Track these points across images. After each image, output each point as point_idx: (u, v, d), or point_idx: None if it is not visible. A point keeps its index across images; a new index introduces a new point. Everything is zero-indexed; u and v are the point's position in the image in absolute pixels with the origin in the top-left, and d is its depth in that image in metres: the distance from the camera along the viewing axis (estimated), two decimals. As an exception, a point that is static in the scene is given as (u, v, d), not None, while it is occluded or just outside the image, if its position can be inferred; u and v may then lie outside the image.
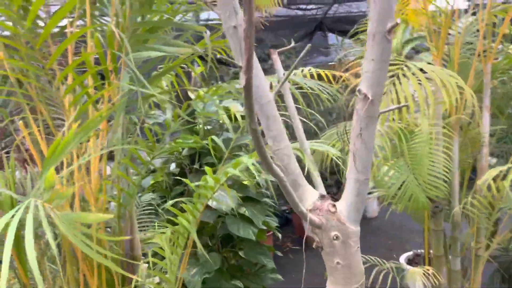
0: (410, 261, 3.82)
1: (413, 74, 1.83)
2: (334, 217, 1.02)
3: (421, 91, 1.95)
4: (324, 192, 1.10)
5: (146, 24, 1.39)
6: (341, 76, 2.20)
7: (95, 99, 1.65)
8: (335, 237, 1.02)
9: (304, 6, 6.22)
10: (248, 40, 0.67)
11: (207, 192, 1.37)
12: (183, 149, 2.96)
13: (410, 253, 3.92)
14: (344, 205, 1.03)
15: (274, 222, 3.09)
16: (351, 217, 1.03)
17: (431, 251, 2.77)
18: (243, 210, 2.76)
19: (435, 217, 2.52)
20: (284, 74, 1.26)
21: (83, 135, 0.97)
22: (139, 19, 1.62)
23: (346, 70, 2.40)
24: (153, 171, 3.18)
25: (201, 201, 1.40)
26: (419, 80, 1.88)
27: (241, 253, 2.81)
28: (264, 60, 5.39)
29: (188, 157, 2.93)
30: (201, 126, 2.88)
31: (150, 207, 2.65)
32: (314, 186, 1.16)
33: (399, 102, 1.78)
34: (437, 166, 2.02)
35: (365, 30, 3.42)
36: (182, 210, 1.69)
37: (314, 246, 1.07)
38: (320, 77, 2.52)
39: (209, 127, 2.99)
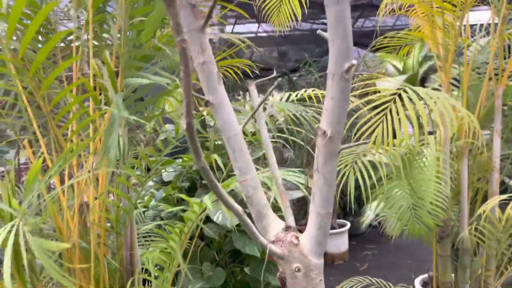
0: (425, 284, 3.73)
1: (410, 99, 1.83)
2: (296, 249, 1.05)
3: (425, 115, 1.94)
4: (292, 223, 1.12)
5: (137, 53, 1.46)
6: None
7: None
8: (297, 269, 1.05)
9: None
10: (186, 88, 0.71)
11: (192, 215, 1.42)
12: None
13: (426, 275, 3.83)
14: (306, 237, 1.05)
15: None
16: (313, 250, 1.04)
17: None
18: (249, 226, 2.79)
19: (441, 242, 2.48)
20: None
21: (63, 164, 1.04)
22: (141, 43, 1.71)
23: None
24: (166, 183, 3.27)
25: (188, 224, 1.45)
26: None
27: (246, 270, 2.83)
28: (286, 73, 5.44)
29: (198, 171, 3.00)
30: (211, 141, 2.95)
31: (159, 221, 2.72)
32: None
33: (393, 129, 1.78)
34: (433, 191, 1.99)
35: (389, 46, 3.42)
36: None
37: (277, 276, 1.09)
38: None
39: (219, 142, 3.05)
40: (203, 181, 2.96)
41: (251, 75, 2.53)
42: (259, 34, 5.89)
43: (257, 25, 5.93)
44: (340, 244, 4.97)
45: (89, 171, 1.73)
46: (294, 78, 5.86)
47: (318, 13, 5.73)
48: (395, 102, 1.87)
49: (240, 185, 1.06)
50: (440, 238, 2.48)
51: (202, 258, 2.89)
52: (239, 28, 5.74)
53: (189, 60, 0.69)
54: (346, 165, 2.18)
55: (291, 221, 1.13)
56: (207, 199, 1.26)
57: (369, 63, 4.91)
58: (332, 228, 4.99)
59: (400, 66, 3.46)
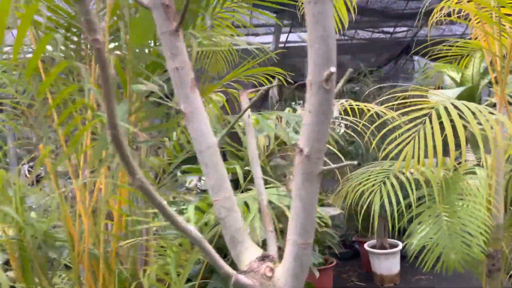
0: (481, 319, 3.36)
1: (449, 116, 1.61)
2: (270, 282, 0.91)
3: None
4: (273, 251, 0.99)
5: (141, 59, 1.41)
6: (367, 110, 2.03)
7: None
8: (269, 305, 0.91)
9: (391, 29, 5.94)
10: (107, 96, 0.62)
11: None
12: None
13: (482, 309, 3.45)
14: (281, 269, 0.91)
15: (320, 259, 2.92)
16: (288, 284, 0.90)
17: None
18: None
19: (491, 276, 2.18)
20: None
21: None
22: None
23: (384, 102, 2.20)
24: (203, 192, 3.23)
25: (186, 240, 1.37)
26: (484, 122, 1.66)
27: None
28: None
29: (232, 182, 2.91)
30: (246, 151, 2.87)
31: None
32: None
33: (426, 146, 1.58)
34: (481, 219, 1.74)
35: (447, 56, 3.15)
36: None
37: (250, 310, 0.96)
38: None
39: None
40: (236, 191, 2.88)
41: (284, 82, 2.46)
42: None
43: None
44: (391, 265, 4.64)
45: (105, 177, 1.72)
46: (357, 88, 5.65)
47: (377, 21, 5.47)
48: (430, 118, 1.66)
49: (214, 206, 0.95)
50: (489, 272, 2.19)
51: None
52: (293, 36, 5.63)
53: (107, 64, 0.60)
54: (381, 183, 2.00)
55: (272, 249, 1.00)
56: (191, 209, 1.15)
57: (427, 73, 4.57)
58: (383, 248, 4.68)
59: (457, 77, 3.16)
